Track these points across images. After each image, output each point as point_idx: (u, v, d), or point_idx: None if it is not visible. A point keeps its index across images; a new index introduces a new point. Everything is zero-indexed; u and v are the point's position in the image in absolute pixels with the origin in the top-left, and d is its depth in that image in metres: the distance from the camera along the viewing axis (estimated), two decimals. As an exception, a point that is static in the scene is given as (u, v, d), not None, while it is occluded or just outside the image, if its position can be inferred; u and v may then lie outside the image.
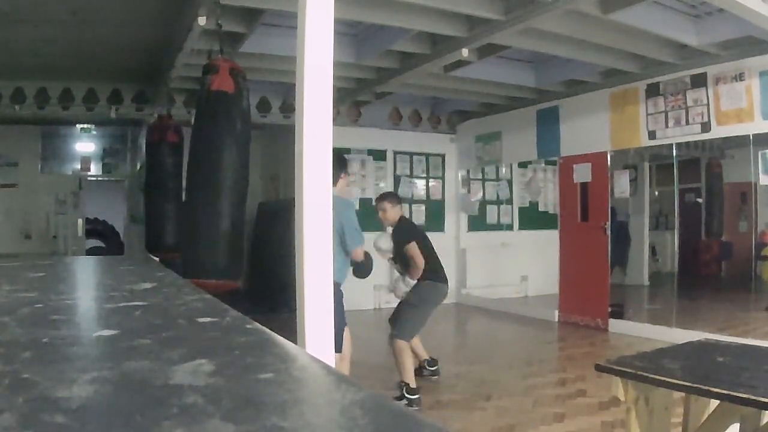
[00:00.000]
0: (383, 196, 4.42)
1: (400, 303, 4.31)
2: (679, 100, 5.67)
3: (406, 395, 3.87)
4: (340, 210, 3.06)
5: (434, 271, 4.24)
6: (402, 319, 4.15)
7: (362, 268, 3.59)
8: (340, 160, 3.56)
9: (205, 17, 4.08)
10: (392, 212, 4.23)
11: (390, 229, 4.37)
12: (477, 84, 6.72)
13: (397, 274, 4.42)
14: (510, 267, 8.57)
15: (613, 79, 6.23)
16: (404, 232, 4.25)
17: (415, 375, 4.13)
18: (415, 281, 4.15)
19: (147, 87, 6.99)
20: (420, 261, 4.09)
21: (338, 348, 3.18)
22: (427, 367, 4.49)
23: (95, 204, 9.50)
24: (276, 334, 0.79)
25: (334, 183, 3.09)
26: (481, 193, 9.10)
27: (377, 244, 4.23)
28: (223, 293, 2.90)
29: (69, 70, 6.31)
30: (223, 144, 3.57)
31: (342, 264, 3.30)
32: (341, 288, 3.30)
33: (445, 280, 4.29)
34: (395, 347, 4.02)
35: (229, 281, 3.61)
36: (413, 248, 4.09)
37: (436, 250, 4.36)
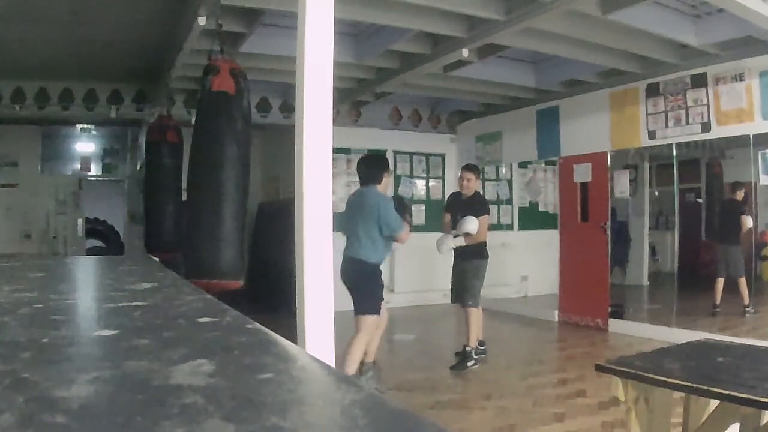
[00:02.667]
0: (470, 168, 5.13)
1: (459, 281, 4.99)
2: (679, 100, 5.67)
3: (474, 356, 4.68)
4: (384, 204, 3.90)
5: (483, 250, 4.91)
6: (471, 291, 4.87)
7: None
8: (384, 160, 4.31)
9: (205, 17, 4.07)
10: (474, 183, 4.99)
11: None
12: (477, 84, 6.72)
13: (449, 234, 4.97)
14: (510, 267, 8.56)
15: (613, 79, 6.23)
16: (482, 204, 4.97)
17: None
18: (463, 243, 4.81)
19: (147, 87, 6.98)
20: (484, 235, 4.81)
21: (377, 310, 3.93)
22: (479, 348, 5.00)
23: (95, 204, 9.50)
24: (276, 334, 0.79)
25: (379, 181, 4.02)
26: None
27: (441, 247, 4.94)
28: (225, 293, 2.90)
29: (69, 70, 6.31)
30: (224, 144, 3.57)
31: (383, 247, 3.96)
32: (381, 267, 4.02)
33: (487, 256, 4.96)
34: (470, 315, 4.80)
35: (232, 281, 3.61)
36: (485, 222, 4.79)
37: None
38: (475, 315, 4.83)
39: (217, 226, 3.58)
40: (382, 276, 4.03)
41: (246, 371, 0.61)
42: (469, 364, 4.67)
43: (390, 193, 4.66)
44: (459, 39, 4.96)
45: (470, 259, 4.89)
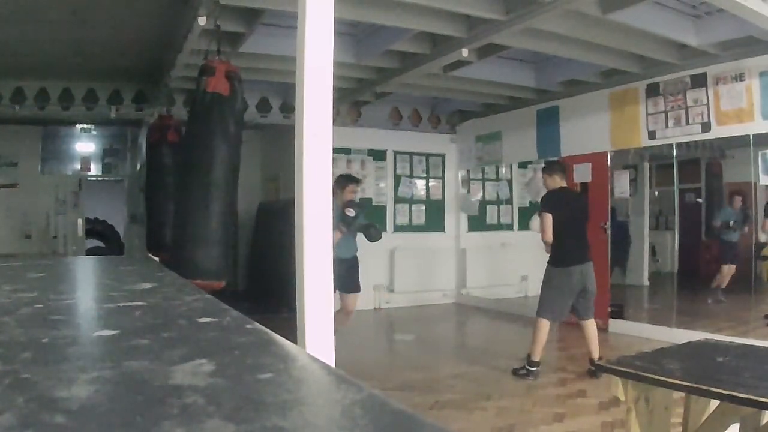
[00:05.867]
0: (544, 167, 4.93)
1: None
2: (679, 100, 5.67)
3: (527, 366, 4.45)
4: None
5: (555, 255, 4.55)
6: (539, 300, 4.58)
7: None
8: (337, 178, 4.85)
9: (204, 17, 4.07)
10: (548, 181, 4.71)
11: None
12: (477, 84, 6.71)
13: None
14: (510, 267, 8.56)
15: (613, 79, 6.23)
16: (544, 201, 4.65)
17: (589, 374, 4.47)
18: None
19: (147, 87, 6.98)
20: (546, 235, 4.51)
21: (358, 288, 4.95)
22: (590, 366, 4.48)
23: (95, 204, 9.50)
24: (276, 334, 0.79)
25: (334, 194, 4.32)
26: (481, 193, 9.10)
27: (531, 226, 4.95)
28: (225, 293, 2.90)
29: (69, 70, 6.31)
30: (214, 146, 3.57)
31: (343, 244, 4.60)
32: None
33: (568, 263, 4.48)
34: (535, 323, 4.52)
35: (215, 281, 3.61)
36: (542, 219, 4.54)
37: (572, 230, 4.56)
38: (538, 327, 4.49)
39: (203, 227, 3.58)
40: (352, 267, 4.86)
41: (246, 371, 0.61)
42: (521, 372, 4.48)
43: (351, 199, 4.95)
44: (459, 39, 4.96)
45: (548, 264, 4.63)
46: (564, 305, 4.51)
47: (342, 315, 4.89)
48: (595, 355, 4.48)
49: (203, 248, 3.59)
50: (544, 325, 4.49)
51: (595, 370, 4.37)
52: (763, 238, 6.64)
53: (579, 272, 4.49)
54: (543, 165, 5.03)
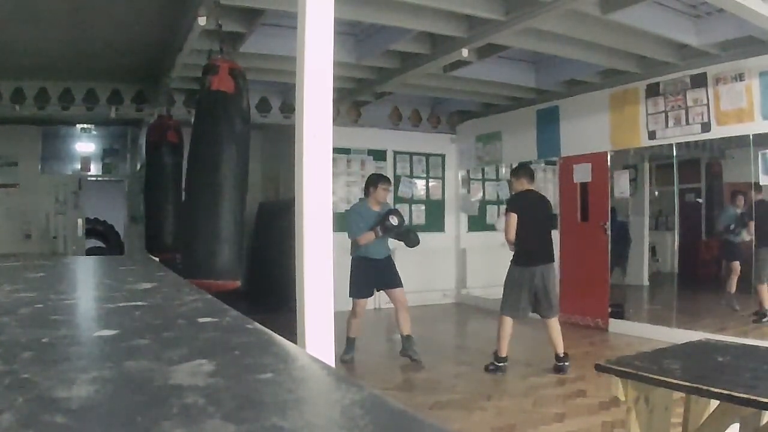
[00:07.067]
0: (512, 171, 5.13)
1: None
2: (679, 100, 5.67)
3: (495, 362, 4.61)
4: (346, 213, 4.99)
5: (518, 254, 4.68)
6: (502, 297, 4.72)
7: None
8: (370, 177, 5.15)
9: (205, 17, 4.07)
10: (515, 184, 4.88)
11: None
12: (477, 84, 6.72)
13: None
14: (510, 267, 8.55)
15: (613, 79, 6.23)
16: (509, 202, 4.93)
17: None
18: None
19: (147, 87, 6.98)
20: (508, 234, 4.66)
21: (353, 294, 4.95)
22: (556, 362, 4.62)
23: (95, 204, 9.49)
24: (276, 334, 0.79)
25: (366, 195, 5.03)
26: (481, 193, 9.10)
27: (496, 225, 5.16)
28: (224, 293, 2.90)
29: (69, 70, 6.31)
30: (222, 144, 3.56)
31: (356, 246, 4.91)
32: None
33: (529, 263, 4.63)
34: (498, 320, 4.70)
35: (229, 281, 3.61)
36: (507, 219, 4.70)
37: (536, 231, 4.69)
38: (501, 323, 4.65)
39: (215, 226, 3.57)
40: (361, 268, 4.92)
41: (246, 371, 0.61)
42: (490, 368, 4.63)
43: (385, 201, 5.11)
44: (459, 39, 4.96)
45: (511, 263, 4.75)
46: (525, 303, 4.64)
47: (402, 312, 4.98)
48: (560, 351, 4.61)
49: (217, 248, 3.58)
50: (506, 321, 4.63)
51: (561, 366, 4.57)
52: (747, 238, 6.64)
53: (540, 273, 4.62)
54: (513, 171, 5.15)
